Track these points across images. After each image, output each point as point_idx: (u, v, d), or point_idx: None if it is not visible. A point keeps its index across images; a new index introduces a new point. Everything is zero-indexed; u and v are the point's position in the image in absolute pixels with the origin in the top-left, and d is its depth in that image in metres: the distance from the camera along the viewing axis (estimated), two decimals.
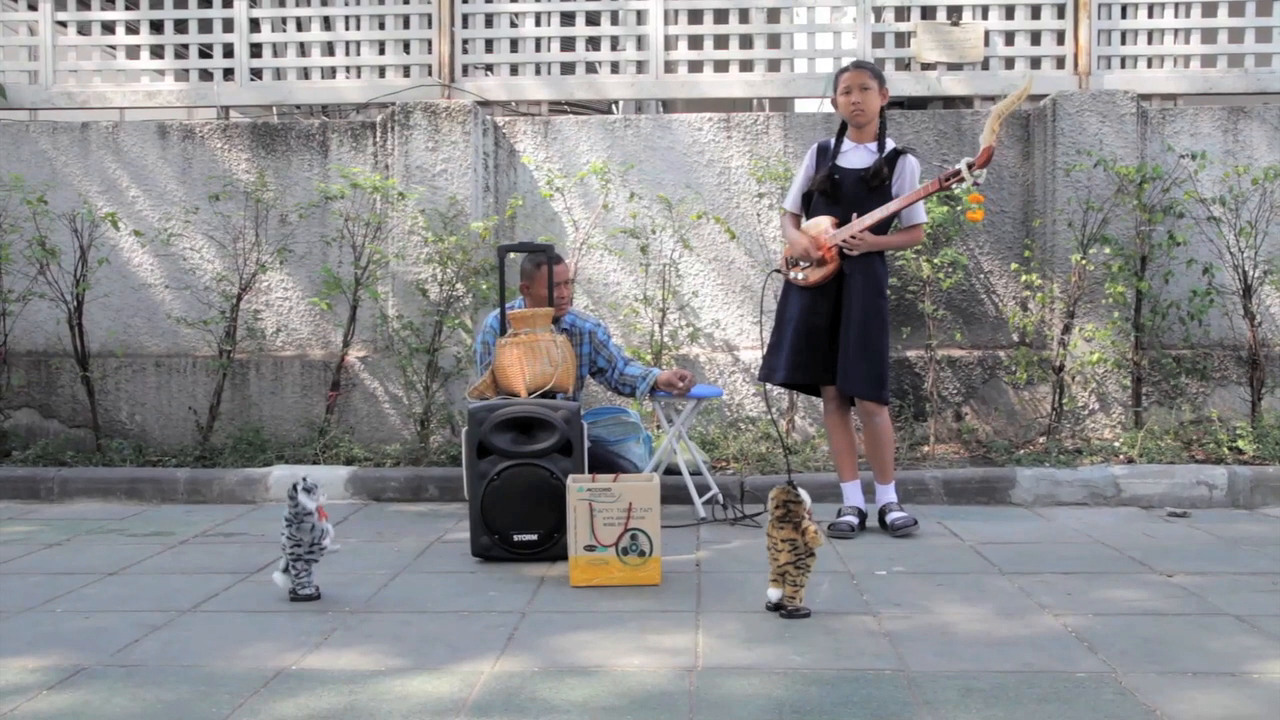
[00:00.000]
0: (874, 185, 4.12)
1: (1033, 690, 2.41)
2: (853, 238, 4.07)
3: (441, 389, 5.65)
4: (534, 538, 3.71)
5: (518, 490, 3.70)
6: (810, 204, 4.28)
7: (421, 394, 5.61)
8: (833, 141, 4.27)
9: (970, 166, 3.94)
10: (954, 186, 4.02)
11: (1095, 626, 2.89)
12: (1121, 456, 5.14)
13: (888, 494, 4.29)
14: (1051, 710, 2.29)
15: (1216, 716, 2.26)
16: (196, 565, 3.80)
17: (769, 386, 5.57)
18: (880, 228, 4.10)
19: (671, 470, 4.72)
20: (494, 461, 3.74)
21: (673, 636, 2.85)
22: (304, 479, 3.23)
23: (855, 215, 4.10)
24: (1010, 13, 6.06)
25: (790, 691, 2.41)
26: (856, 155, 4.19)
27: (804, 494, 3.00)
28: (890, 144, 4.19)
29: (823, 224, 4.15)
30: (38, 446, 5.63)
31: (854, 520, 4.17)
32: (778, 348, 4.27)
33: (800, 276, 4.19)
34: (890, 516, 4.20)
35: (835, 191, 4.17)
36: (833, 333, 4.16)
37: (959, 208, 5.42)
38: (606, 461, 4.42)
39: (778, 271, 4.34)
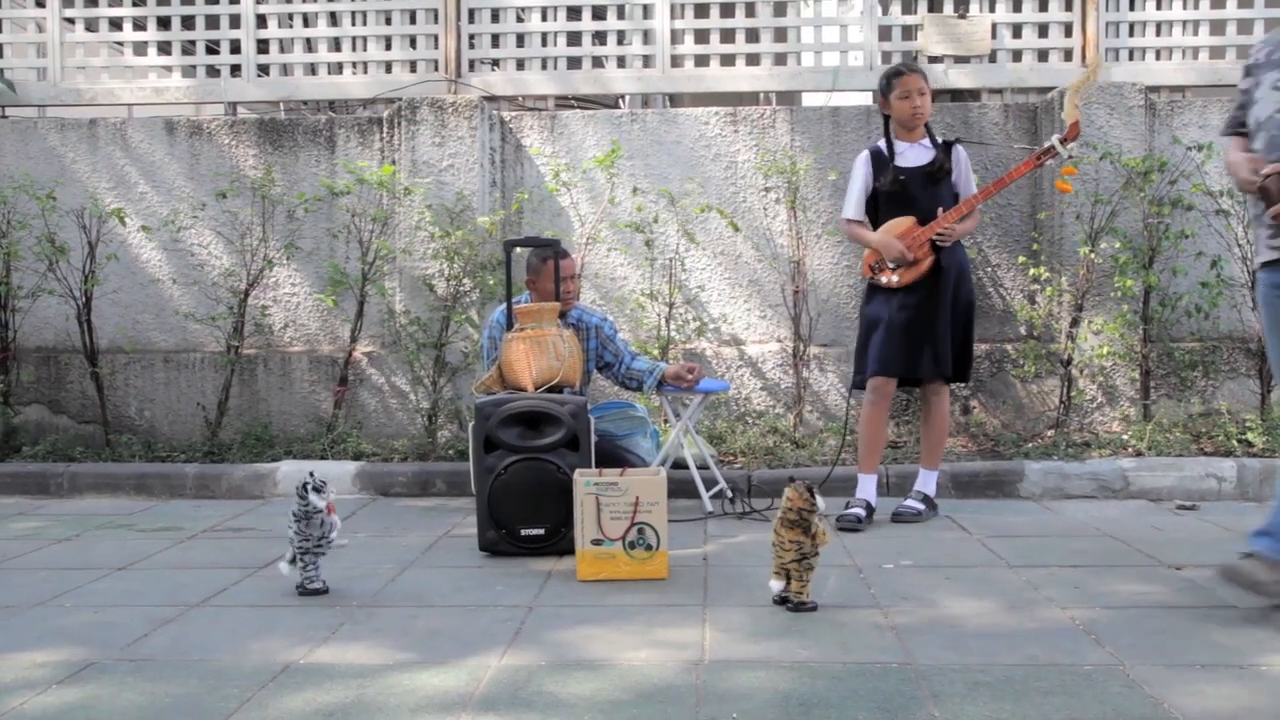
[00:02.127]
0: (939, 179, 4.23)
1: (1040, 683, 2.41)
2: (946, 229, 4.15)
3: (449, 384, 5.66)
4: (541, 532, 3.72)
5: (525, 485, 3.71)
6: (877, 208, 4.32)
7: (429, 389, 5.62)
8: (883, 145, 4.34)
9: (1062, 142, 4.07)
10: (1047, 161, 4.20)
11: (1103, 619, 2.89)
12: (1130, 449, 5.12)
13: (930, 482, 4.42)
14: (1059, 703, 2.29)
15: (1224, 709, 2.25)
16: (205, 560, 3.81)
17: (773, 379, 5.57)
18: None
19: (679, 464, 4.72)
20: (501, 456, 3.75)
21: (680, 630, 2.85)
22: (311, 474, 3.24)
23: (940, 209, 4.17)
24: (1018, 5, 6.04)
25: (797, 685, 2.42)
26: (914, 154, 4.29)
27: (820, 501, 3.00)
28: (938, 137, 4.34)
29: (905, 224, 4.20)
30: (47, 442, 5.66)
31: (861, 513, 4.18)
32: (866, 347, 4.30)
33: (895, 280, 4.21)
34: (904, 503, 4.37)
35: (904, 192, 4.24)
36: (924, 324, 4.21)
37: None
38: (613, 456, 4.42)
39: (871, 278, 4.32)
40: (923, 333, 4.22)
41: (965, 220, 4.26)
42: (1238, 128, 3.27)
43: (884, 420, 4.35)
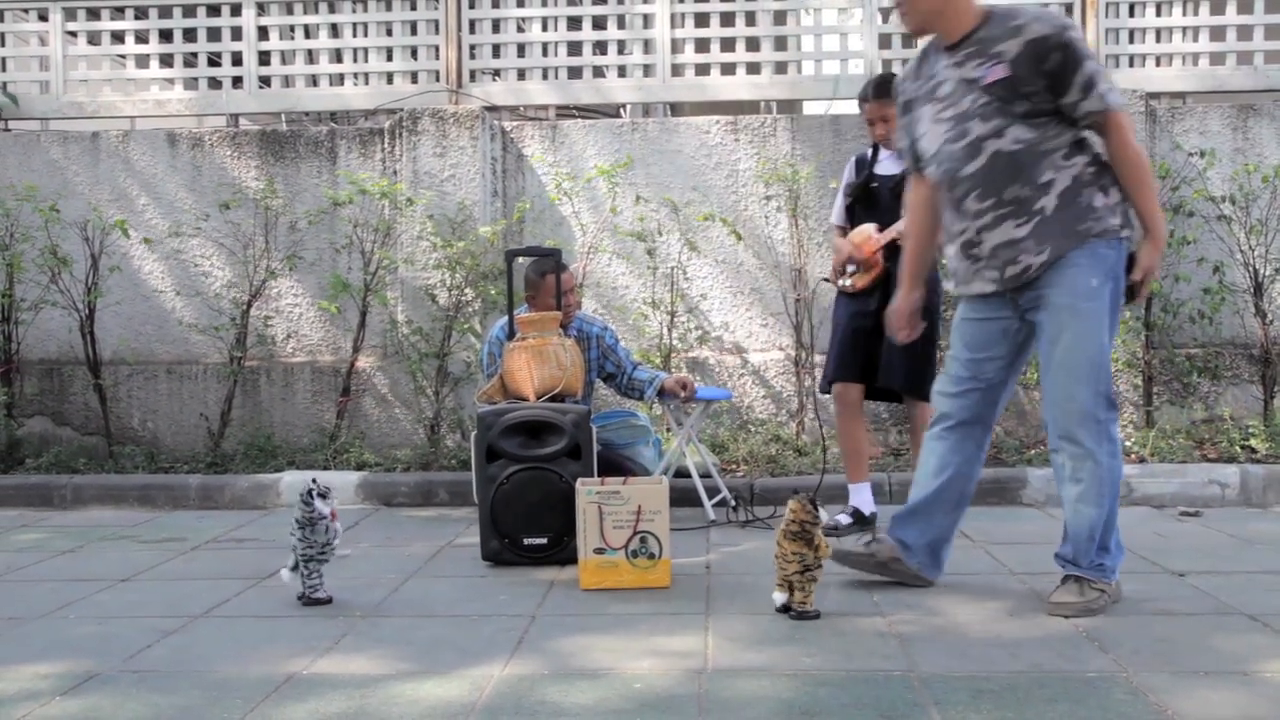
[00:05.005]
0: (902, 190, 4.14)
1: (1043, 690, 2.40)
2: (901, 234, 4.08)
3: (451, 394, 5.66)
4: (544, 541, 3.72)
5: (527, 494, 3.71)
6: (854, 215, 4.33)
7: (431, 399, 5.63)
8: (870, 152, 4.33)
9: None
10: None
11: (1106, 626, 2.88)
12: (1133, 456, 5.11)
13: None
14: (1062, 710, 2.28)
15: (1228, 716, 2.25)
16: (208, 571, 3.81)
17: (776, 387, 5.58)
18: None
19: (681, 473, 4.72)
20: (503, 465, 3.75)
21: (682, 639, 2.85)
22: (314, 480, 3.25)
23: (904, 215, 4.12)
24: None
25: (800, 693, 2.41)
26: (892, 162, 4.25)
27: (823, 514, 3.01)
28: None
29: (867, 230, 4.20)
30: (50, 454, 5.66)
31: (843, 520, 4.20)
32: (830, 353, 4.34)
33: (848, 283, 4.26)
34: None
35: (872, 199, 4.24)
36: (879, 333, 4.19)
37: None
38: (616, 465, 4.41)
39: (826, 280, 4.42)
40: (872, 341, 4.19)
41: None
42: (916, 163, 3.31)
43: (856, 427, 4.32)
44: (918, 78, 3.19)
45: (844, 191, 4.37)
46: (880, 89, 4.13)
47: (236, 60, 6.34)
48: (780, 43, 6.28)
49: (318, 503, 3.19)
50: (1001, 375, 3.24)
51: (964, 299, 3.25)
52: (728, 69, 6.19)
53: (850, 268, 4.24)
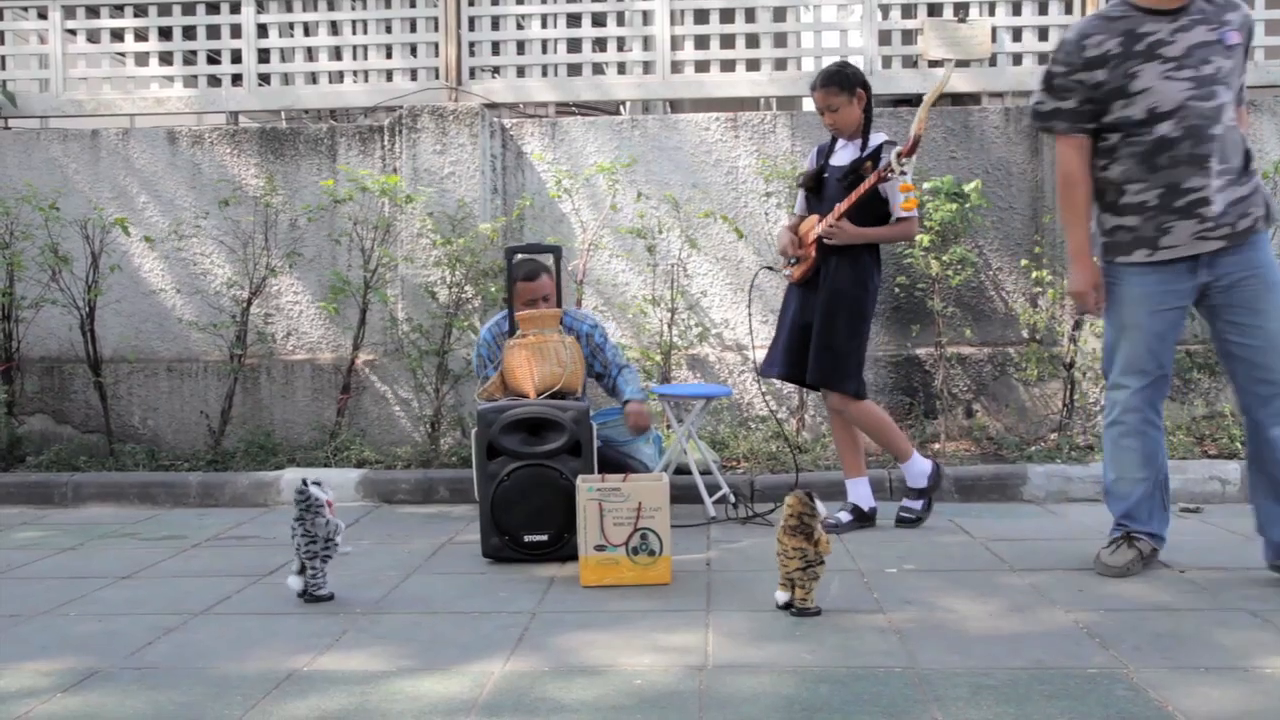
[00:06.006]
0: (849, 182, 4.11)
1: (1044, 687, 2.40)
2: (830, 227, 4.07)
3: (451, 391, 5.66)
4: (544, 538, 3.72)
5: (527, 491, 3.71)
6: (810, 204, 4.33)
7: (431, 396, 5.63)
8: (830, 142, 4.32)
9: (898, 156, 3.93)
10: (889, 177, 4.00)
11: (1107, 622, 2.88)
12: None
13: (909, 474, 4.28)
14: (1062, 706, 2.28)
15: (1228, 711, 2.25)
16: (209, 568, 3.82)
17: (777, 384, 5.59)
18: (870, 220, 4.10)
19: (681, 470, 4.73)
20: (503, 463, 3.75)
21: (683, 635, 2.85)
22: (304, 479, 3.25)
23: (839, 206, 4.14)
24: (1017, 9, 6.04)
25: (800, 689, 2.41)
26: (845, 153, 4.24)
27: (820, 505, 3.00)
28: (880, 138, 4.18)
29: (811, 221, 4.21)
30: (51, 452, 5.66)
31: (842, 517, 4.18)
32: (774, 343, 4.37)
33: (788, 273, 4.31)
34: (901, 504, 4.31)
35: (821, 189, 4.23)
36: (799, 325, 4.25)
37: (966, 205, 5.40)
38: (616, 462, 4.42)
39: (769, 268, 4.55)
40: (795, 332, 4.23)
41: (887, 227, 4.15)
42: (1083, 122, 3.33)
43: (844, 422, 4.28)
44: (1113, 34, 3.24)
45: (799, 181, 4.38)
46: (827, 79, 4.13)
47: (236, 58, 6.34)
48: (780, 39, 6.27)
49: (313, 489, 3.19)
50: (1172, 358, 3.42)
51: (1147, 269, 3.31)
52: (727, 66, 6.18)
53: (791, 258, 4.28)
